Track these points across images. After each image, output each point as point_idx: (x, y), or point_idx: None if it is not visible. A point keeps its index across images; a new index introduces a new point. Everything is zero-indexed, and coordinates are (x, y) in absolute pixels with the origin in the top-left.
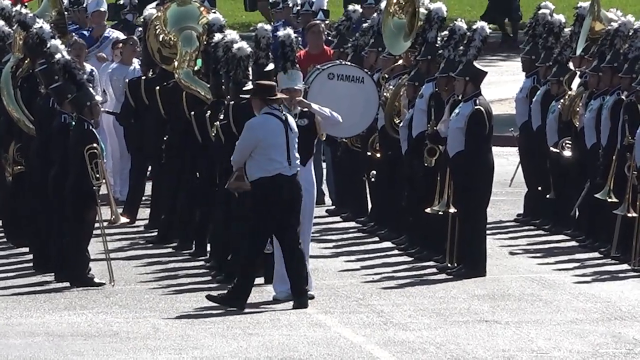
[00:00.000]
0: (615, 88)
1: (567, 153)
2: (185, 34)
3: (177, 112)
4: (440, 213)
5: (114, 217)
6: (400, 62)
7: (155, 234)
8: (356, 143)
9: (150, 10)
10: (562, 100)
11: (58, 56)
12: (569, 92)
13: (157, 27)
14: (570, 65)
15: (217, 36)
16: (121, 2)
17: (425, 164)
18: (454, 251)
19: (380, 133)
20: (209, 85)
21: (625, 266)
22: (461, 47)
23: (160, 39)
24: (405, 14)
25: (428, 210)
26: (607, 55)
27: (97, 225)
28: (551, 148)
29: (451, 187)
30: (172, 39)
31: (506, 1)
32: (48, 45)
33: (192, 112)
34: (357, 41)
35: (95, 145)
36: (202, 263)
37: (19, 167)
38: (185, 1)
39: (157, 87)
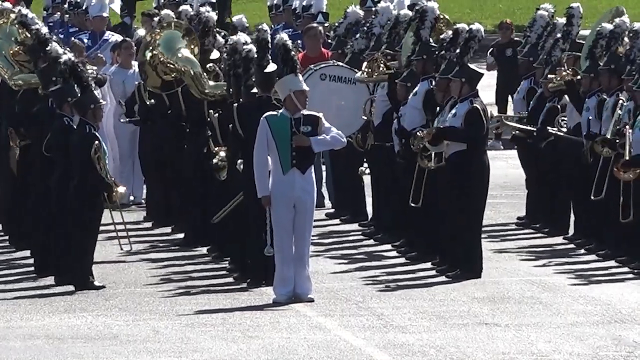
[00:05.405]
0: (614, 89)
1: (564, 130)
2: (183, 58)
3: (197, 112)
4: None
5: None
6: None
7: (182, 236)
8: (361, 143)
9: (140, 32)
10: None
11: (65, 57)
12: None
13: (160, 58)
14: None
15: (232, 39)
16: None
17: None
18: (450, 253)
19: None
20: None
21: (625, 269)
22: (458, 49)
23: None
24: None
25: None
26: (605, 57)
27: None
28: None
29: (429, 184)
30: (174, 65)
31: None
32: (48, 48)
33: (216, 114)
34: (355, 44)
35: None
36: (202, 266)
37: (24, 141)
38: (172, 25)
39: (179, 88)
